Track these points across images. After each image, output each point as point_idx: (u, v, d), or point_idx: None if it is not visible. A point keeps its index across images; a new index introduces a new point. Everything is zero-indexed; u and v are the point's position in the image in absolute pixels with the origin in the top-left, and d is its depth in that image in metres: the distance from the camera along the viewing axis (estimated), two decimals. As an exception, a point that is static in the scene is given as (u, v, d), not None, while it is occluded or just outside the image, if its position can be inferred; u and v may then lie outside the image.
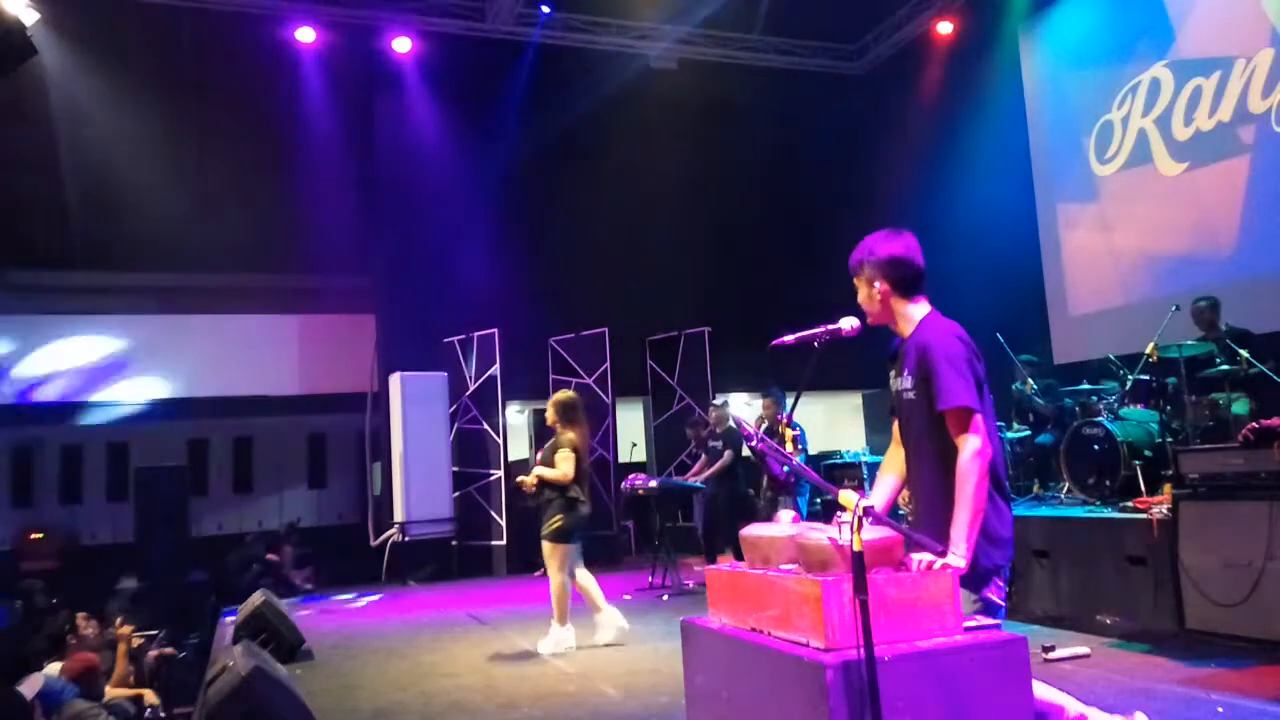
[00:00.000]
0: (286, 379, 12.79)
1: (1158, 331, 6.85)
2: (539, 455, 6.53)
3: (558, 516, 6.19)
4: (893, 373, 3.02)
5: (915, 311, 2.93)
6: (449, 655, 6.46)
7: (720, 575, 2.96)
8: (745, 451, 8.65)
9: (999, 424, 8.04)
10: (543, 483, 6.21)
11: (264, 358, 12.71)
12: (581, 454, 6.27)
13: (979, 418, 2.72)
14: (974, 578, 2.67)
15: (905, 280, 2.92)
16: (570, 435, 6.29)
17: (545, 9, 12.06)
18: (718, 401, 9.40)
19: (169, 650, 6.78)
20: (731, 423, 8.77)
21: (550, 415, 6.44)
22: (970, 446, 2.68)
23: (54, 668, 5.39)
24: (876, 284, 2.92)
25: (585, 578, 6.45)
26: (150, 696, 5.81)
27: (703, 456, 9.21)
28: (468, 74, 12.12)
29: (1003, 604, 2.77)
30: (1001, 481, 2.80)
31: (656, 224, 12.78)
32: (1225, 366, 6.54)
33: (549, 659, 6.16)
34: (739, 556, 3.08)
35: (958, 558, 2.60)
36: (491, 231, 12.07)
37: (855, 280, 3.00)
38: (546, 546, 6.25)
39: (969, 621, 2.58)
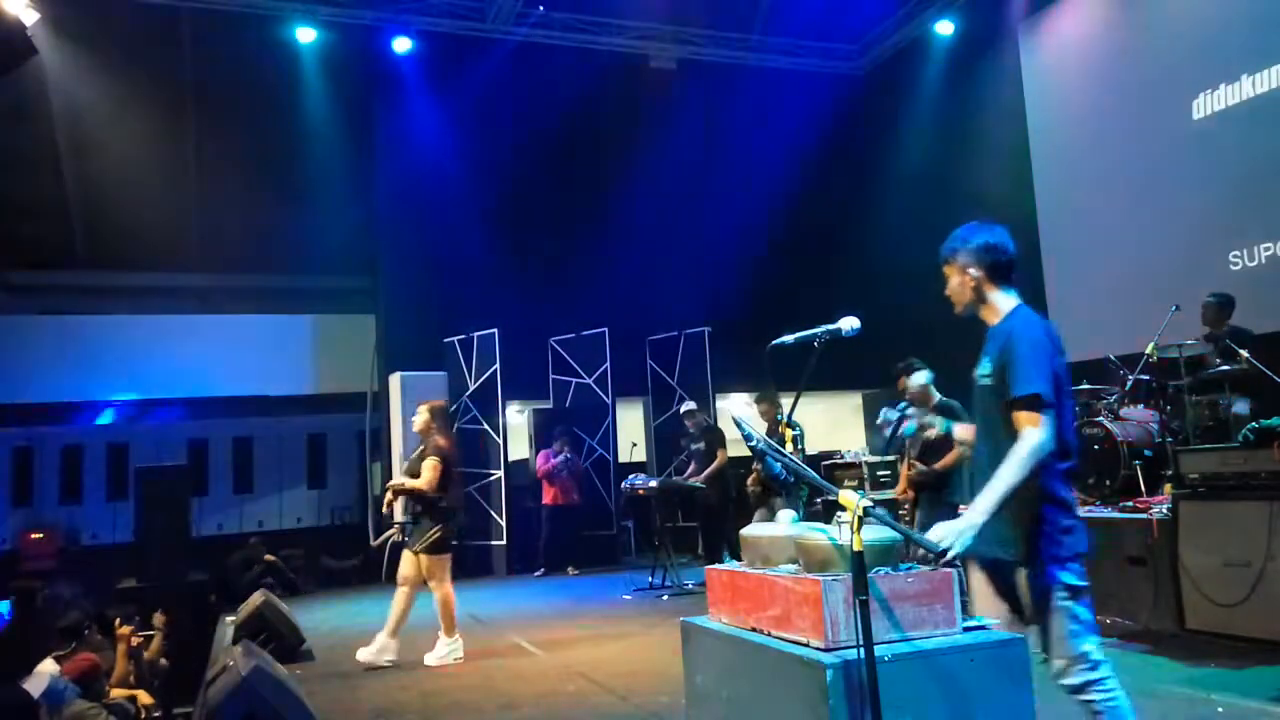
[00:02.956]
0: (287, 379, 12.78)
1: (1158, 331, 6.85)
2: (405, 465, 6.33)
3: (436, 528, 6.03)
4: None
5: (1005, 301, 2.91)
6: (449, 655, 6.45)
7: (720, 575, 2.97)
8: (743, 450, 8.65)
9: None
10: (412, 496, 6.05)
11: (264, 358, 12.70)
12: (450, 462, 6.16)
13: (1049, 412, 2.66)
14: (1056, 560, 2.66)
15: (998, 267, 2.91)
16: (441, 443, 6.16)
17: (541, 8, 12.07)
18: (691, 407, 9.44)
19: (164, 662, 6.77)
20: (730, 421, 8.76)
21: (424, 422, 6.24)
22: (1033, 437, 2.62)
23: (55, 666, 5.39)
24: (970, 270, 2.91)
25: (415, 596, 6.25)
26: (144, 697, 5.80)
27: (691, 461, 9.23)
28: (468, 74, 12.13)
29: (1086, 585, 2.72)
30: (1070, 484, 2.75)
31: (656, 224, 12.78)
32: (1225, 366, 6.55)
33: (545, 659, 6.16)
34: (736, 556, 3.09)
35: (971, 517, 2.57)
36: (491, 231, 12.07)
37: (946, 269, 2.99)
38: (425, 560, 6.04)
39: (969, 620, 2.59)
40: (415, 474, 6.11)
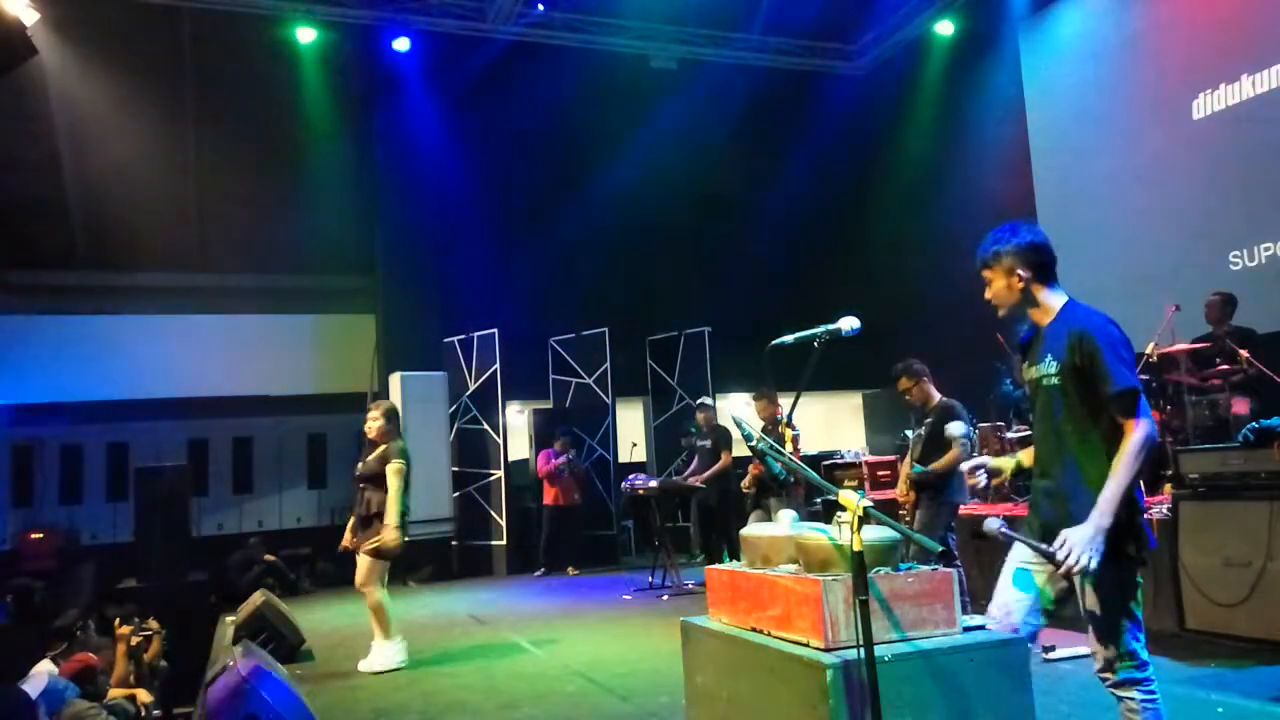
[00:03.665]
0: (287, 379, 12.77)
1: (1157, 331, 6.85)
2: (361, 465, 6.18)
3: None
4: (1025, 363, 2.96)
5: (1055, 299, 2.88)
6: (449, 655, 6.46)
7: (720, 575, 2.97)
8: (743, 450, 8.63)
9: (999, 424, 7.97)
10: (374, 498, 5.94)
11: (264, 358, 12.70)
12: (411, 466, 6.06)
13: (1144, 400, 2.67)
14: (1122, 555, 2.65)
15: (1046, 266, 2.89)
16: (402, 445, 6.08)
17: (540, 6, 12.07)
18: (707, 402, 9.40)
19: (164, 663, 6.75)
20: (730, 422, 8.73)
21: (380, 426, 6.10)
22: (1142, 429, 2.61)
23: (54, 666, 5.39)
24: (1019, 271, 2.87)
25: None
26: (144, 695, 5.80)
27: (695, 458, 9.21)
28: (468, 74, 12.13)
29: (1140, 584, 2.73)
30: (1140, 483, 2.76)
31: (656, 224, 12.78)
32: (1225, 367, 6.55)
33: (545, 659, 6.15)
34: (735, 556, 3.09)
35: (1103, 518, 2.56)
36: (491, 231, 12.07)
37: (987, 273, 2.94)
38: (367, 562, 5.96)
39: (969, 620, 2.59)
40: (373, 474, 6.01)
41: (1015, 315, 2.94)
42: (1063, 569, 2.60)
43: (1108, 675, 2.69)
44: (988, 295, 2.96)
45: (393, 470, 5.95)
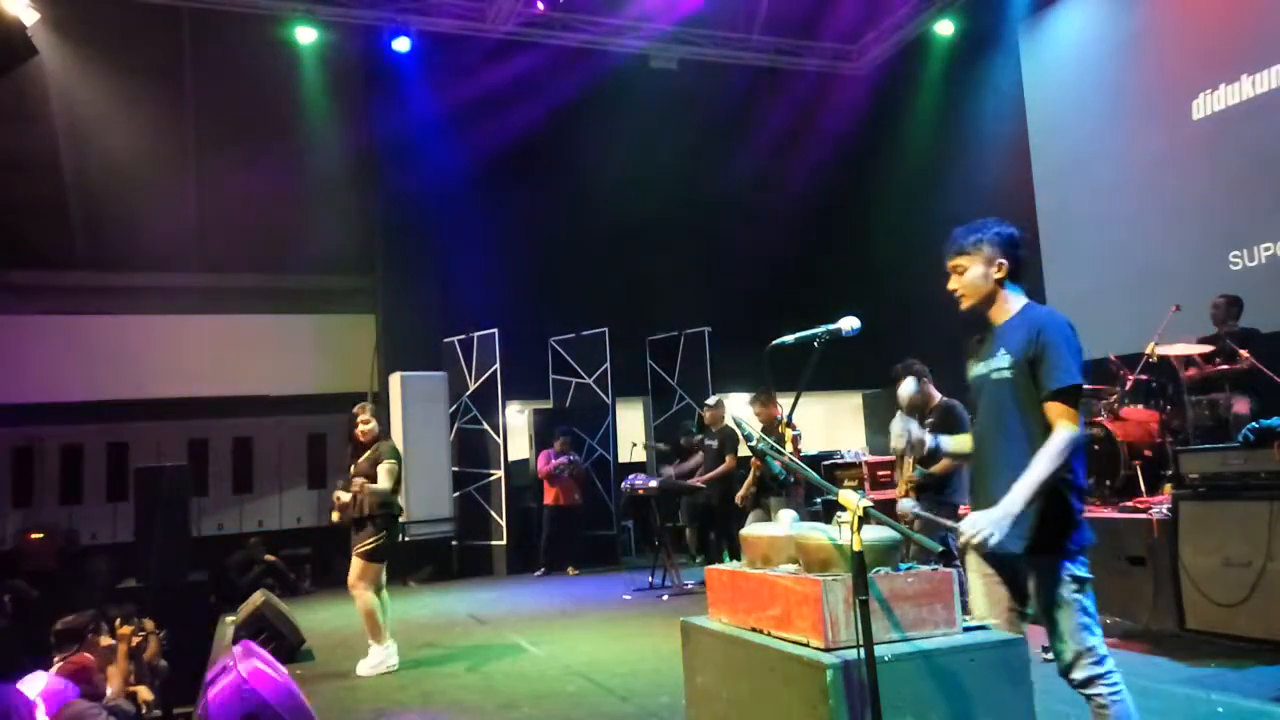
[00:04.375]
0: (287, 379, 12.77)
1: (1157, 331, 6.85)
2: (353, 468, 6.14)
3: (381, 534, 5.93)
4: (972, 359, 2.96)
5: (1016, 299, 2.89)
6: (449, 655, 6.46)
7: (720, 575, 2.97)
8: (743, 450, 8.63)
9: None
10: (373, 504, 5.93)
11: (264, 358, 12.70)
12: (400, 463, 6.08)
13: (1083, 404, 2.71)
14: (1067, 552, 2.67)
15: (1021, 263, 2.90)
16: (392, 445, 6.12)
17: (540, 5, 12.06)
18: (711, 401, 9.37)
19: (163, 663, 6.74)
20: (730, 422, 8.73)
21: (372, 429, 6.14)
22: (1070, 429, 2.62)
23: (55, 665, 5.39)
24: (999, 260, 2.86)
25: (385, 600, 6.14)
26: (144, 693, 5.79)
27: (698, 454, 9.18)
28: (467, 73, 12.13)
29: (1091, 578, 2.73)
30: (1083, 475, 2.77)
31: (657, 223, 12.77)
32: (1225, 367, 6.55)
33: (545, 659, 6.15)
34: (735, 556, 3.09)
35: (1009, 507, 2.57)
36: (491, 232, 12.06)
37: (964, 258, 2.91)
38: (359, 564, 5.95)
39: (969, 620, 2.59)
40: (365, 476, 6.01)
41: (977, 309, 2.94)
42: (960, 541, 2.62)
43: (1070, 675, 2.67)
44: (953, 285, 2.95)
45: (385, 470, 5.97)
